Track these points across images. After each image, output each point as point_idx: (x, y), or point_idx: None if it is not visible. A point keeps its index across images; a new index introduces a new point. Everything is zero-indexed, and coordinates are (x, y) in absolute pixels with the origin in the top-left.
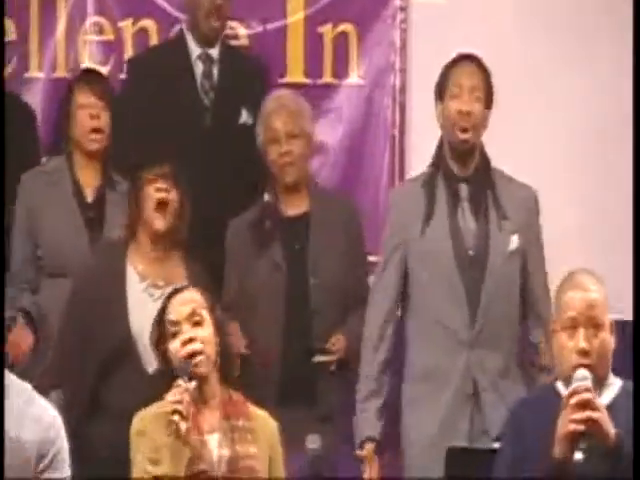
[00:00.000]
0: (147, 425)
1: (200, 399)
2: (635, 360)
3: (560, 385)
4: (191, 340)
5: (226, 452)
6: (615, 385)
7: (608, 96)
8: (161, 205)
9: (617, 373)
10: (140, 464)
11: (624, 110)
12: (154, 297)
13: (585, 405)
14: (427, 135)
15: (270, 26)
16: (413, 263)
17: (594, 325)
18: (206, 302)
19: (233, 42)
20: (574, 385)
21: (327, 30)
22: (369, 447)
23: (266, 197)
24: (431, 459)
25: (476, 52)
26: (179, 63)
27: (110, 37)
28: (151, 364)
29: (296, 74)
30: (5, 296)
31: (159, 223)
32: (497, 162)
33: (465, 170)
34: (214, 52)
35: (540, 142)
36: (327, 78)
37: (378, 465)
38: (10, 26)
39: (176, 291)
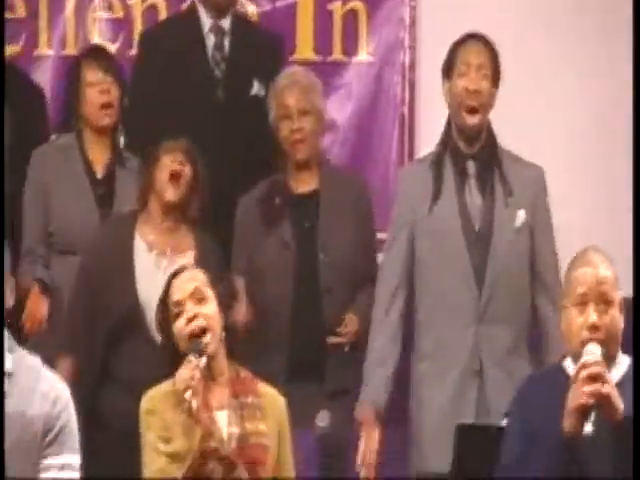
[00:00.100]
0: (157, 404)
1: (208, 376)
2: (635, 360)
3: (569, 362)
4: (195, 317)
5: (235, 430)
6: (624, 363)
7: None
8: (174, 176)
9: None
10: (151, 442)
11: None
12: (162, 266)
13: (596, 378)
14: (436, 112)
15: (279, 3)
16: (421, 241)
17: (604, 301)
18: (209, 279)
19: None
20: (585, 358)
21: (336, 7)
22: (369, 412)
23: (276, 174)
24: (439, 435)
25: (484, 30)
26: (190, 35)
27: (119, 14)
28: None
29: (305, 51)
30: (19, 271)
31: (171, 194)
32: None
33: (472, 148)
34: (225, 23)
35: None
36: (336, 55)
37: (377, 435)
38: (20, 3)
39: (178, 271)
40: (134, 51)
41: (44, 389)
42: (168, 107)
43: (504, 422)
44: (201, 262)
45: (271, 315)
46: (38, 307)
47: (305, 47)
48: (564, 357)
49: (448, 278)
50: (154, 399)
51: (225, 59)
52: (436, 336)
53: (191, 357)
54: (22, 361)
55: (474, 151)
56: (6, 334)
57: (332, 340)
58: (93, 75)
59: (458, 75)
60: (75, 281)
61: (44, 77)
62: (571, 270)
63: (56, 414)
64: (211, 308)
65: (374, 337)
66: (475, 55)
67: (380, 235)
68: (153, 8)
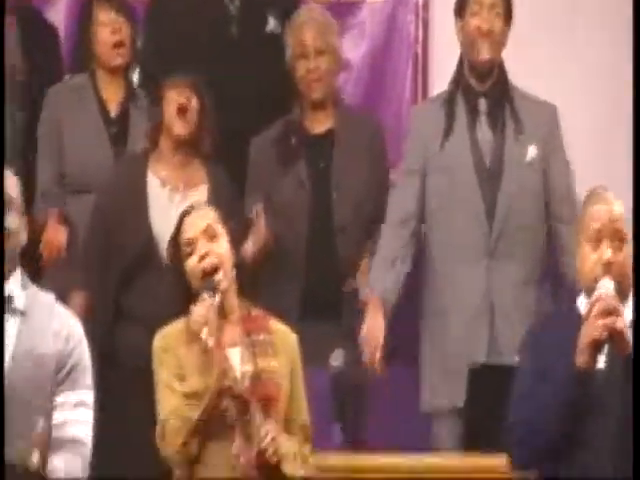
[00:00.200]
0: (170, 342)
1: (220, 314)
2: (635, 360)
3: (581, 300)
4: (207, 254)
5: (248, 367)
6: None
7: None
8: (182, 110)
9: None
10: (165, 381)
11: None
12: (175, 201)
13: (610, 312)
14: (449, 51)
15: None
16: (433, 177)
17: (619, 238)
18: (220, 217)
19: None
20: (599, 292)
21: None
22: (376, 297)
23: (291, 113)
24: (451, 371)
25: None
26: None
27: None
28: None
29: None
30: (34, 209)
31: (180, 128)
32: None
33: (484, 85)
34: None
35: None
36: None
37: (382, 319)
38: None
39: (189, 209)
40: None
41: (57, 327)
42: (182, 45)
43: (516, 360)
44: (214, 196)
45: (286, 254)
46: (56, 236)
47: None
48: (577, 296)
49: (459, 214)
50: (167, 337)
51: None
52: (447, 272)
53: (205, 295)
54: (35, 298)
55: (486, 88)
56: (19, 271)
57: (348, 286)
58: (105, 15)
59: (471, 14)
60: (89, 220)
61: (58, 17)
62: (585, 207)
63: (69, 351)
64: (223, 246)
65: (383, 245)
66: None
67: (393, 174)
68: None
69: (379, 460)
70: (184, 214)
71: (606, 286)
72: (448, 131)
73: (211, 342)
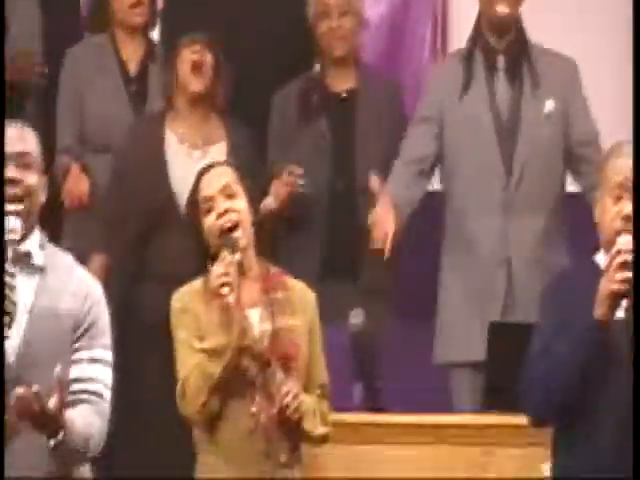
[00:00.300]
0: (189, 302)
1: (239, 272)
2: (635, 360)
3: (601, 256)
4: (226, 212)
5: (267, 326)
6: None
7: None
8: (196, 66)
9: None
10: (185, 340)
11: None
12: (194, 157)
13: (629, 267)
14: (469, 10)
15: None
16: (450, 128)
17: None
18: (238, 176)
19: None
20: (619, 245)
21: None
22: (387, 193)
23: (312, 70)
24: (468, 324)
25: None
26: None
27: None
28: None
29: None
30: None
31: (195, 85)
32: None
33: (502, 42)
34: None
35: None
36: None
37: (392, 216)
38: None
39: (207, 167)
40: None
41: (75, 286)
42: (203, 2)
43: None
44: (233, 152)
45: (307, 213)
46: (78, 184)
47: None
48: (596, 251)
49: (477, 167)
50: (185, 297)
51: None
52: (465, 225)
53: (225, 252)
54: (54, 258)
55: (504, 46)
56: (37, 231)
57: (373, 246)
58: None
59: None
60: (109, 182)
61: None
62: (606, 160)
63: (86, 309)
64: (241, 204)
65: (394, 178)
66: None
67: None
68: None
69: (398, 419)
70: (202, 172)
71: (626, 240)
72: (466, 86)
73: (231, 300)
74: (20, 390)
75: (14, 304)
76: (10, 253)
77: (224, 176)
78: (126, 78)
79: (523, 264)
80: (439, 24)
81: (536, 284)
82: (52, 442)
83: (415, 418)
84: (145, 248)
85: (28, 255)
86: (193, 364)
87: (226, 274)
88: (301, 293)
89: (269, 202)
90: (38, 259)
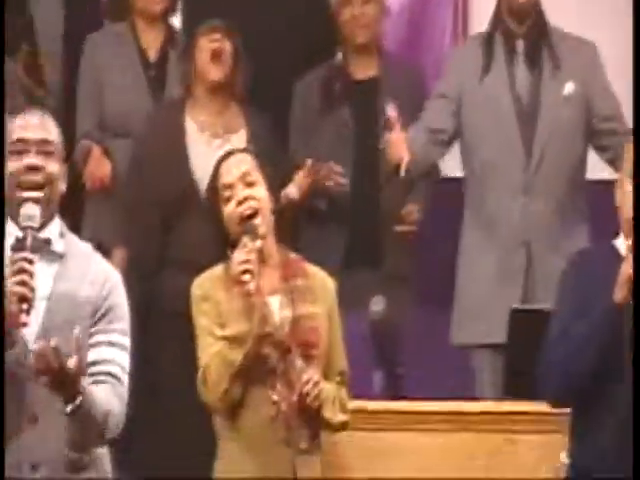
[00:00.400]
0: (209, 289)
1: (259, 260)
2: (635, 359)
3: (620, 241)
4: (246, 199)
5: (288, 313)
6: None
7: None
8: (216, 55)
9: None
10: (206, 328)
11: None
12: (214, 146)
13: None
14: None
15: None
16: (468, 109)
17: None
18: (258, 163)
19: None
20: None
21: None
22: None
23: (334, 57)
24: (486, 306)
25: None
26: None
27: None
28: None
29: None
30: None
31: (215, 73)
32: None
33: (522, 27)
34: None
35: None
36: None
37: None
38: None
39: (227, 155)
40: None
41: (94, 273)
42: None
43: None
44: (253, 141)
45: (330, 201)
46: (100, 166)
47: None
48: (617, 235)
49: (497, 149)
50: (205, 284)
51: None
52: (484, 207)
53: (245, 239)
54: (73, 246)
55: (524, 30)
56: (57, 219)
57: (397, 229)
58: None
59: None
60: (128, 167)
61: None
62: (627, 144)
63: (104, 295)
64: (261, 191)
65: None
66: None
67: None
68: None
69: (419, 406)
70: (222, 159)
71: None
72: (486, 68)
73: (252, 286)
74: (39, 345)
75: (33, 290)
76: (29, 240)
77: (243, 163)
78: (145, 64)
79: (543, 246)
80: (460, 11)
81: (556, 266)
82: (69, 407)
83: (436, 405)
84: (166, 235)
85: (48, 242)
86: (214, 351)
87: (247, 261)
88: (321, 280)
89: (291, 192)
90: (58, 246)
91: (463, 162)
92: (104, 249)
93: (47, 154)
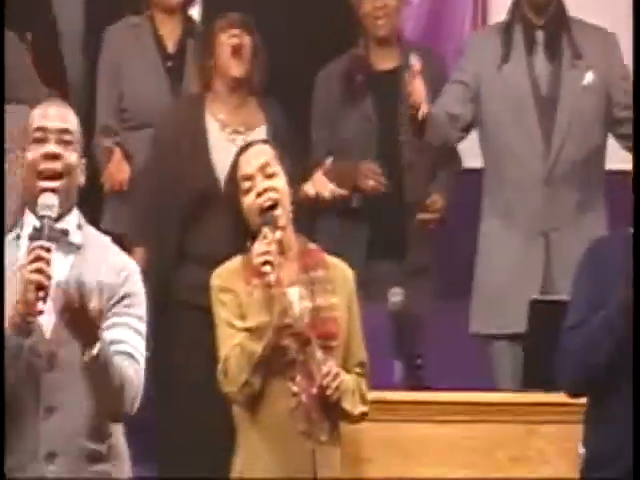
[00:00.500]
0: (228, 281)
1: (279, 251)
2: (635, 359)
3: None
4: (265, 191)
5: (307, 304)
6: None
7: None
8: (236, 51)
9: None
10: (226, 319)
11: None
12: (236, 142)
13: None
14: None
15: None
16: (487, 97)
17: None
18: (277, 155)
19: None
20: None
21: None
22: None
23: (355, 49)
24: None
25: None
26: None
27: None
28: None
29: None
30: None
31: (236, 69)
32: None
33: (541, 18)
34: None
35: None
36: None
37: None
38: None
39: (246, 146)
40: None
41: (111, 263)
42: None
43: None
44: (273, 137)
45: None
46: (120, 169)
47: None
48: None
49: (516, 138)
50: (225, 276)
51: None
52: (503, 196)
53: (266, 230)
54: (91, 237)
55: (543, 21)
56: (76, 211)
57: (421, 216)
58: None
59: None
60: (147, 164)
61: None
62: None
63: (121, 282)
64: (280, 182)
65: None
66: None
67: None
68: None
69: (438, 397)
70: (241, 150)
71: None
72: (505, 58)
73: (273, 278)
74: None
75: (49, 278)
76: (46, 229)
77: (263, 154)
78: (164, 55)
79: (562, 236)
80: (479, 0)
81: (575, 256)
82: (87, 355)
83: (455, 396)
84: (187, 231)
85: (65, 233)
86: (234, 343)
87: (267, 252)
88: (340, 271)
89: (309, 188)
90: (75, 237)
91: (482, 150)
92: (123, 247)
93: (66, 143)
